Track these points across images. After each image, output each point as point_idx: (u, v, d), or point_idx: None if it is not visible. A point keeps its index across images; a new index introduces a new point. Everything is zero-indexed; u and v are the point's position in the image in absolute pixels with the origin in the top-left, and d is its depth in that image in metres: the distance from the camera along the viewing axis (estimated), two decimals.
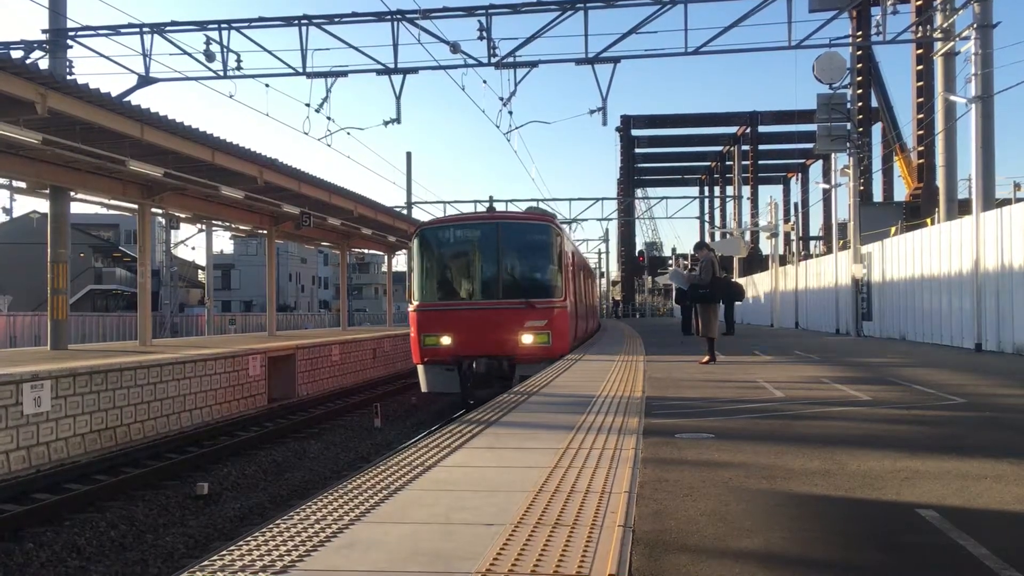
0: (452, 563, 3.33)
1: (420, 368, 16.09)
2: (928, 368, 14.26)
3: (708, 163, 66.45)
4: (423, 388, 16.32)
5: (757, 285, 47.00)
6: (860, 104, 31.32)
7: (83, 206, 22.56)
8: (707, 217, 66.79)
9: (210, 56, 20.24)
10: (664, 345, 21.59)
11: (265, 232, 27.85)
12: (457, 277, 16.82)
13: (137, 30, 20.19)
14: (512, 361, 15.29)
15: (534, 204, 20.42)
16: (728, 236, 53.10)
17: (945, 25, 21.48)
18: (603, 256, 72.45)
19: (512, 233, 16.31)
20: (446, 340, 15.54)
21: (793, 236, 46.46)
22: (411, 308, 16.21)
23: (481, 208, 38.95)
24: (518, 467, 5.32)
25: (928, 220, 26.54)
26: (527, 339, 15.37)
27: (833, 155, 30.43)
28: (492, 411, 7.93)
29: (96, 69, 68.59)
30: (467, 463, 5.52)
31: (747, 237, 52.14)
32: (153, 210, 22.00)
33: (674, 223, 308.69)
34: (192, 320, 47.25)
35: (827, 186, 33.97)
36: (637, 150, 61.08)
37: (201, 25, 20.49)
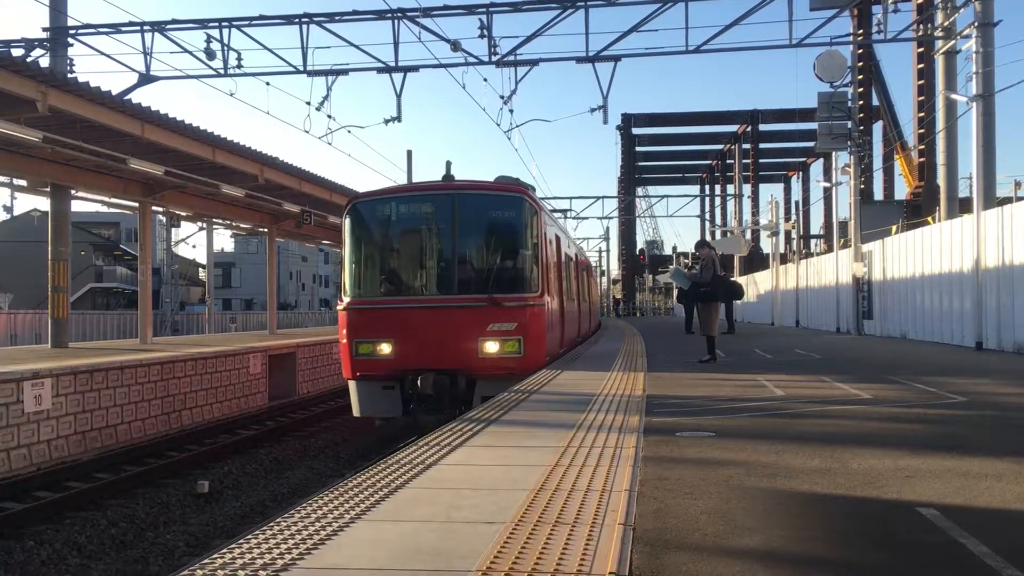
0: (453, 561, 3.34)
1: (352, 385, 12.75)
2: (929, 366, 14.25)
3: (709, 161, 66.37)
4: (355, 411, 12.99)
5: (758, 284, 46.96)
6: (861, 102, 31.30)
7: (84, 204, 22.67)
8: (708, 215, 66.83)
9: (211, 54, 20.23)
10: (670, 348, 21.58)
11: (266, 230, 27.87)
12: (400, 265, 13.36)
13: (138, 28, 20.18)
14: (471, 377, 12.10)
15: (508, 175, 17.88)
16: (729, 234, 53.14)
17: (946, 23, 21.46)
18: (604, 254, 72.44)
19: (472, 207, 12.89)
20: (385, 348, 12.21)
21: (794, 234, 46.45)
22: (341, 306, 12.75)
23: None
24: (518, 465, 5.32)
25: (929, 219, 26.53)
26: (491, 347, 12.05)
27: (834, 153, 30.40)
28: (492, 409, 7.94)
29: (97, 67, 68.79)
30: (467, 461, 5.52)
31: (748, 236, 52.12)
32: (154, 208, 22.01)
33: (675, 221, 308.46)
34: (193, 318, 47.28)
35: (828, 184, 33.93)
36: (638, 148, 61.00)
37: (202, 23, 20.48)
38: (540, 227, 12.98)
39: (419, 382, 11.85)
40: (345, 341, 12.49)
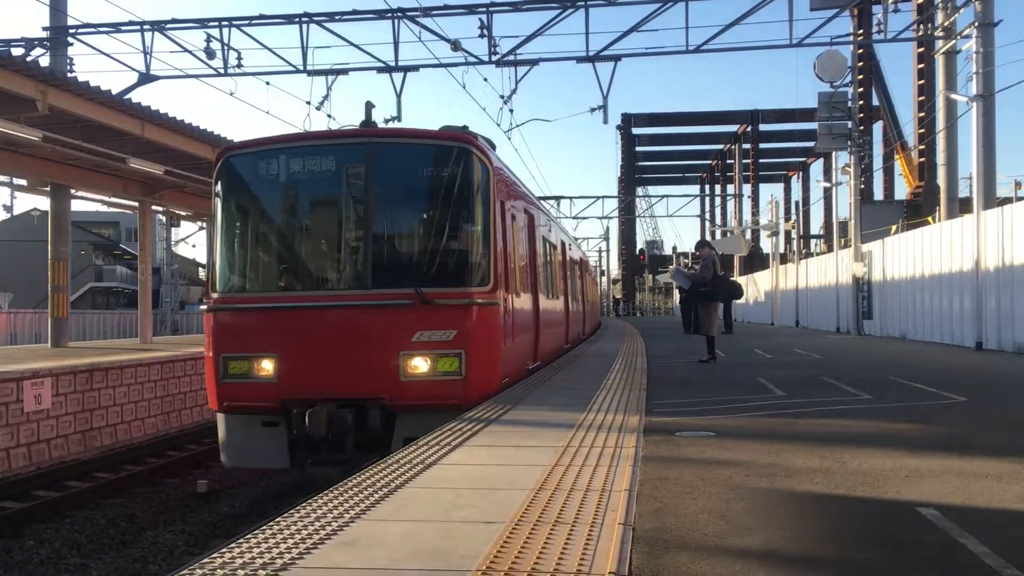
0: (452, 561, 3.33)
1: (220, 420, 9.23)
2: (928, 366, 14.25)
3: (709, 161, 66.43)
4: (224, 460, 9.40)
5: (758, 284, 46.97)
6: (861, 102, 31.28)
7: (84, 203, 22.67)
8: (708, 215, 66.86)
9: (211, 54, 20.25)
10: (670, 348, 21.57)
11: None
12: (290, 247, 9.79)
13: (138, 28, 20.19)
14: (388, 409, 8.59)
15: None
16: (729, 234, 53.17)
17: (946, 23, 21.46)
18: (604, 254, 72.48)
19: (395, 162, 9.34)
20: (265, 368, 8.74)
21: (794, 234, 46.46)
22: (206, 306, 9.30)
23: None
24: (518, 465, 5.32)
25: (929, 218, 26.53)
26: (418, 366, 8.59)
27: (834, 153, 30.42)
28: (492, 409, 7.93)
29: (97, 67, 68.84)
30: (467, 461, 5.52)
31: (748, 235, 52.15)
32: (154, 207, 22.01)
33: (675, 221, 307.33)
34: (193, 318, 47.25)
35: (828, 184, 33.95)
36: (638, 148, 61.07)
37: (202, 23, 20.50)
38: (495, 193, 9.31)
39: (307, 418, 8.30)
40: (211, 355, 8.95)
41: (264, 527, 3.87)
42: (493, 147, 10.57)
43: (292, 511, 4.16)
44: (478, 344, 8.79)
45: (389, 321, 8.68)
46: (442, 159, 9.29)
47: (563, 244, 17.87)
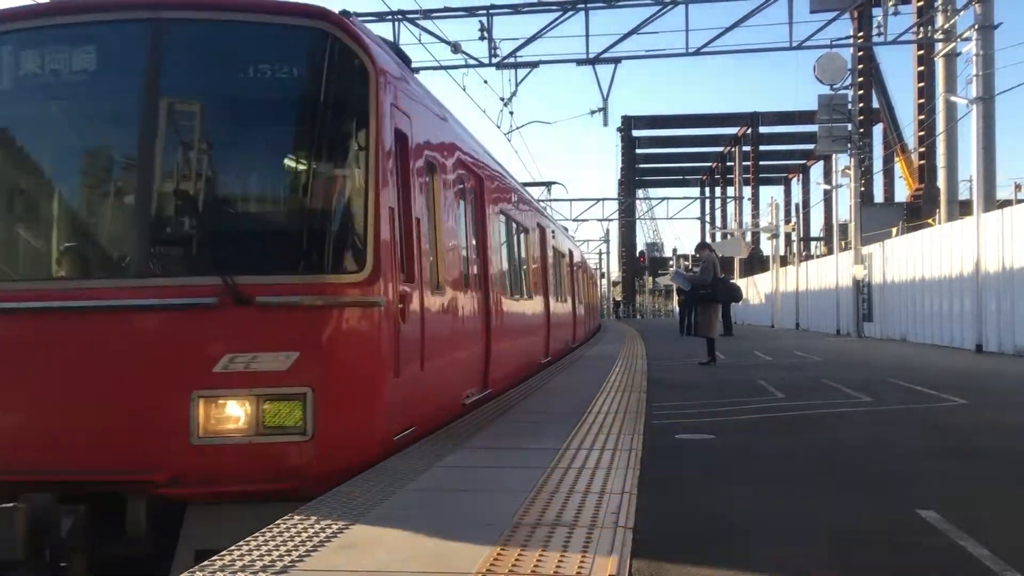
0: (452, 562, 3.34)
1: None
2: (929, 369, 14.25)
3: (709, 163, 66.44)
4: None
5: (758, 286, 46.97)
6: (861, 105, 31.30)
7: None
8: (708, 218, 66.83)
9: None
10: (670, 350, 21.57)
11: None
12: (3, 205, 5.48)
13: None
14: (165, 499, 4.68)
15: None
16: (729, 237, 53.14)
17: (946, 26, 21.48)
18: (604, 256, 72.37)
19: (197, 53, 5.32)
20: None
21: (794, 237, 46.47)
22: None
23: None
24: (518, 466, 5.32)
25: (929, 221, 26.55)
26: (226, 417, 4.71)
27: (834, 156, 30.49)
28: (490, 410, 7.92)
29: None
30: (466, 463, 5.52)
31: (748, 238, 52.14)
32: None
33: (675, 223, 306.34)
34: None
35: (828, 187, 34.03)
36: (638, 150, 61.04)
37: None
38: (384, 116, 5.37)
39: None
40: None
41: (264, 529, 3.87)
42: (407, 62, 7.00)
43: (292, 513, 4.16)
44: (340, 375, 4.98)
45: (173, 335, 4.88)
46: (282, 48, 5.23)
47: (542, 229, 14.32)
